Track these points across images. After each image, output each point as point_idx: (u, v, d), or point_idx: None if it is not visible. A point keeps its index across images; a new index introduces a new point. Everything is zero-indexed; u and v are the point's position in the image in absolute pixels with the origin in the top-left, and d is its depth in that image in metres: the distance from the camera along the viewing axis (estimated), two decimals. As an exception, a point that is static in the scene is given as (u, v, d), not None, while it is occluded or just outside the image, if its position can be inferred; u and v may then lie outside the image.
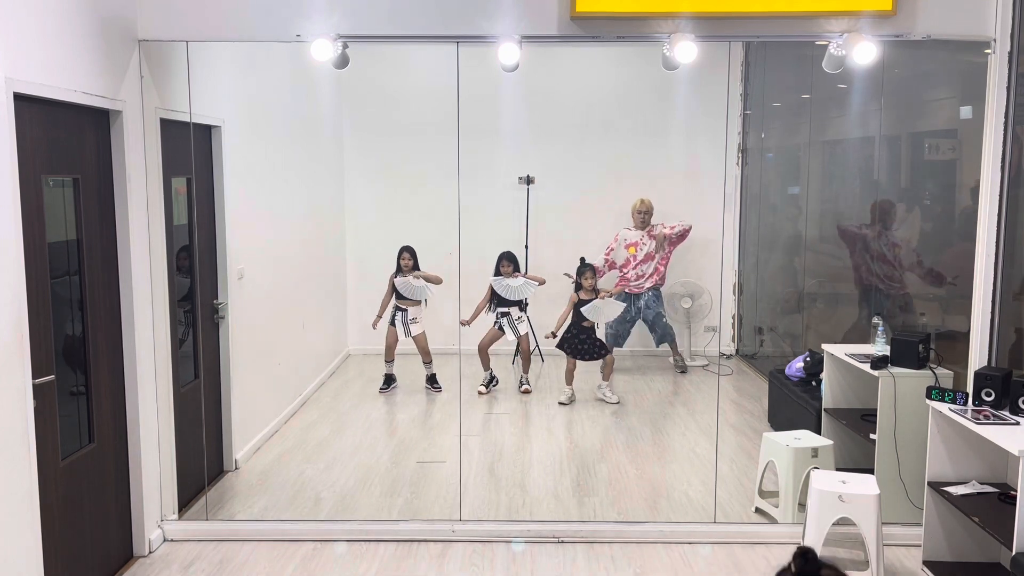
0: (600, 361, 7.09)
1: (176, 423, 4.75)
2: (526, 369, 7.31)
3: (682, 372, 7.86)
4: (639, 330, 7.95)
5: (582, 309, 6.93)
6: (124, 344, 4.35)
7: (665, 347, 7.98)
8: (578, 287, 7.01)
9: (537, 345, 7.84)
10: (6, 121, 3.31)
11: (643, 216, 7.79)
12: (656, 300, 7.83)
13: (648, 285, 7.77)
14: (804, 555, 1.78)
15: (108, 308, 4.24)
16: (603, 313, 7.01)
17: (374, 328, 7.27)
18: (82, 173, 4.00)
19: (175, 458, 4.73)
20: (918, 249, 5.83)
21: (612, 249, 7.85)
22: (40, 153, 3.65)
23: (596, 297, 6.97)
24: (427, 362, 7.34)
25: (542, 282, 7.19)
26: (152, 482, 4.52)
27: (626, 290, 7.80)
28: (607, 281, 7.80)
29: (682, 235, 7.85)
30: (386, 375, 7.37)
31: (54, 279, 3.78)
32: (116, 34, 4.20)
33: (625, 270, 7.82)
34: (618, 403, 6.98)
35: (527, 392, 7.21)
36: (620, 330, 7.85)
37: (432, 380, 7.37)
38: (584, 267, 7.05)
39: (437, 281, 7.07)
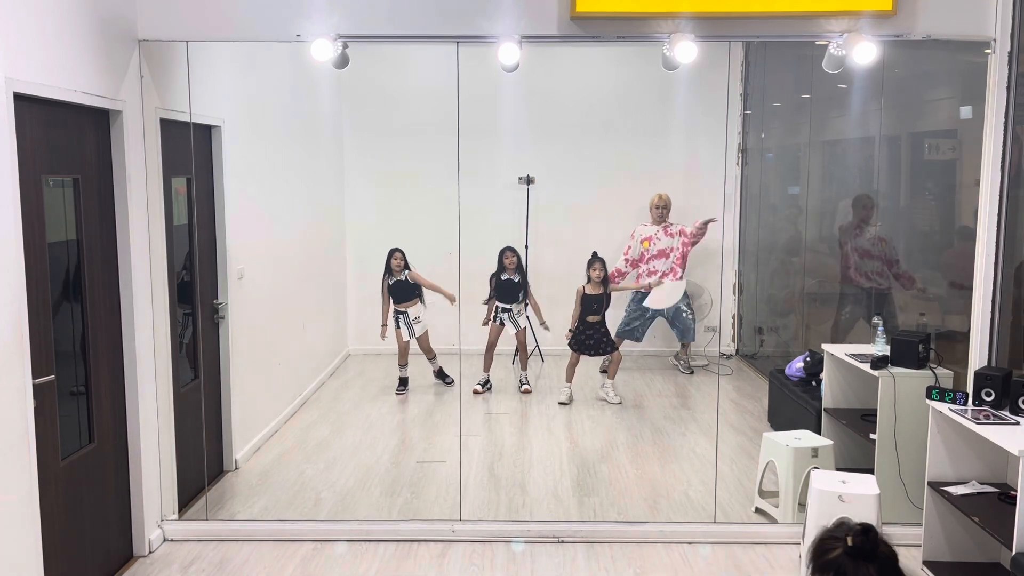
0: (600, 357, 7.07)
1: (176, 423, 4.75)
2: (524, 366, 7.31)
3: (691, 373, 7.81)
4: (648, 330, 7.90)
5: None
6: (124, 344, 4.36)
7: (666, 347, 7.95)
8: (587, 279, 6.99)
9: (537, 345, 7.84)
10: (6, 121, 3.31)
11: (661, 211, 7.60)
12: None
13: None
14: (866, 532, 1.70)
15: (108, 308, 4.24)
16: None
17: (383, 338, 7.24)
18: (82, 173, 4.00)
19: (175, 458, 4.73)
20: (913, 248, 5.83)
21: (630, 247, 7.70)
22: (40, 153, 3.65)
23: (604, 291, 6.92)
24: (431, 358, 7.34)
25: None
26: (152, 482, 4.53)
27: (642, 289, 7.69)
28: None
29: (696, 236, 7.67)
30: (400, 378, 7.33)
31: (54, 279, 3.78)
32: (116, 34, 4.20)
33: (638, 266, 7.68)
34: (619, 403, 6.98)
35: (527, 392, 7.21)
36: (640, 326, 7.76)
37: (441, 374, 7.37)
38: (594, 259, 6.98)
39: (432, 287, 7.12)
